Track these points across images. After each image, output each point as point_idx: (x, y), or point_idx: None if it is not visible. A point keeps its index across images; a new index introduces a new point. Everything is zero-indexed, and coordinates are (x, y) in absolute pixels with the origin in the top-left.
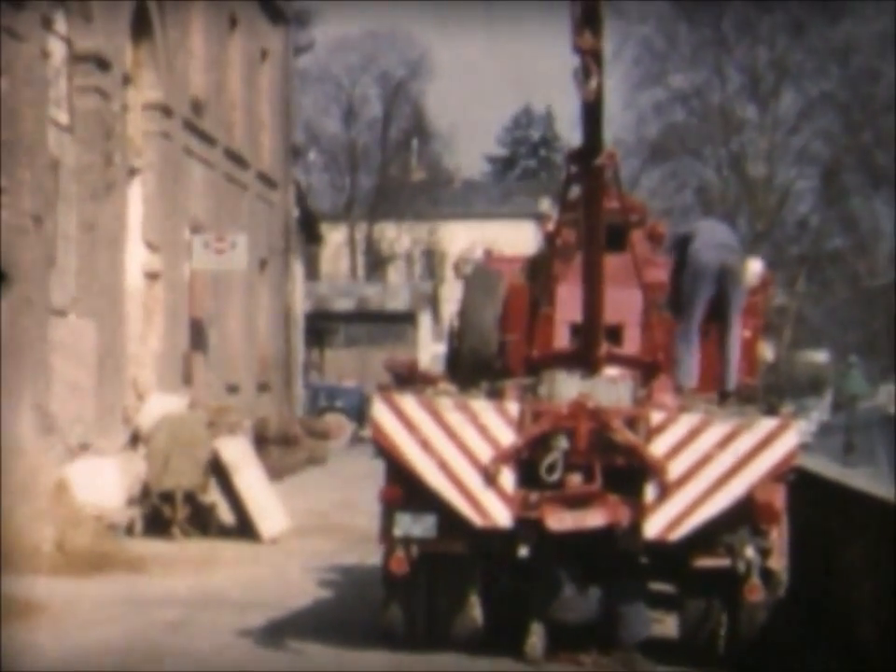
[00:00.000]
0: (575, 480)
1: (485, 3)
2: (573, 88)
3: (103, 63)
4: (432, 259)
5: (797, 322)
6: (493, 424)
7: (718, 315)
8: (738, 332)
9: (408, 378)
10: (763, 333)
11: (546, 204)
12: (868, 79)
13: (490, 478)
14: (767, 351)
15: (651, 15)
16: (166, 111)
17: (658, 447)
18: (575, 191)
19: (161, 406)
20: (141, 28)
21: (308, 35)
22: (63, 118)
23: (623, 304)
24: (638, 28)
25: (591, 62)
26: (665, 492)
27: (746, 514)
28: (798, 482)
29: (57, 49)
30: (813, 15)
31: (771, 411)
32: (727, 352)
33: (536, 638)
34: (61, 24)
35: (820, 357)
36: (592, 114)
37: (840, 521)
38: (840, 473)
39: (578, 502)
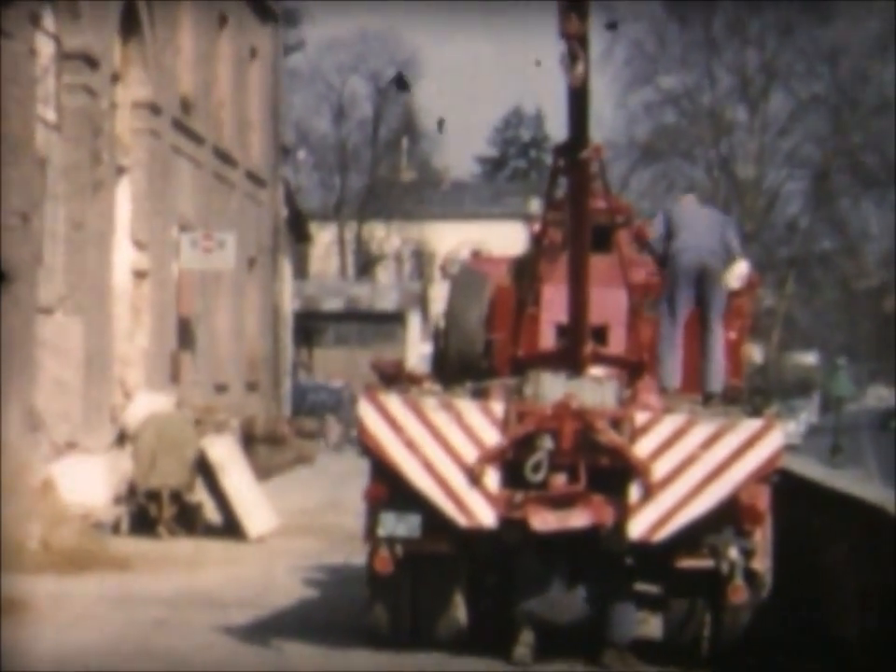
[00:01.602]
0: (559, 480)
1: (476, 3)
2: (562, 92)
3: (91, 61)
4: (422, 260)
5: (786, 324)
6: (478, 424)
7: (703, 317)
8: (720, 334)
9: (394, 378)
10: (750, 335)
11: (536, 205)
12: (857, 82)
13: (475, 478)
14: (755, 353)
15: (641, 16)
16: (155, 109)
17: (642, 448)
18: (562, 188)
19: (148, 405)
20: (130, 26)
21: (298, 34)
22: (50, 115)
23: (608, 305)
24: (629, 28)
25: (577, 46)
26: (650, 492)
27: (730, 515)
28: (782, 482)
29: (45, 47)
30: (802, 17)
31: (755, 412)
32: (709, 353)
33: (524, 648)
34: (49, 22)
35: (809, 358)
36: (578, 101)
37: (824, 522)
38: (824, 474)
39: (562, 502)
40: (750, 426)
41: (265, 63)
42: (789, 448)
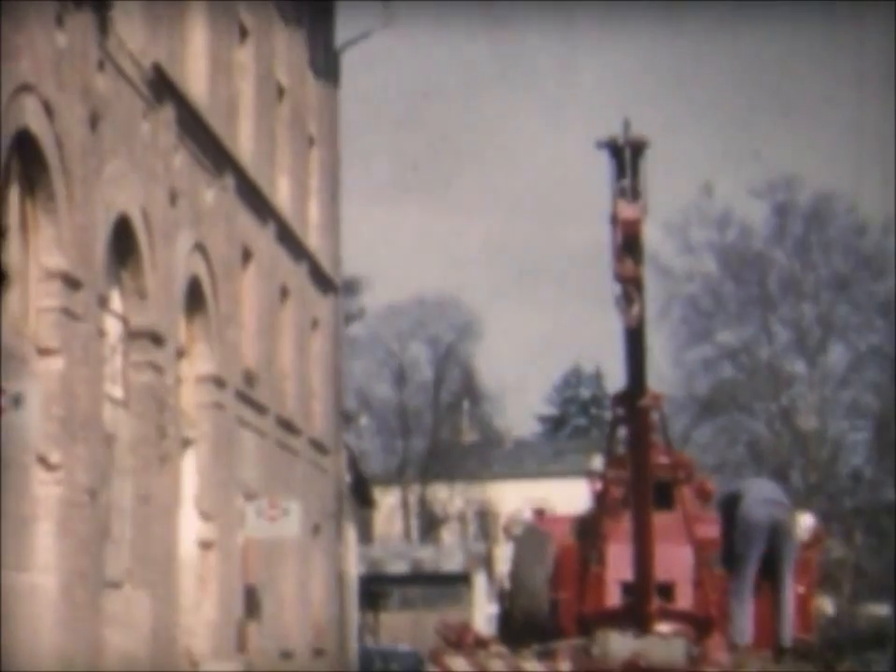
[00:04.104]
0: None
1: (532, 267)
2: (619, 349)
3: (157, 339)
4: (486, 520)
5: (856, 575)
6: None
7: (770, 571)
8: (792, 587)
9: (460, 641)
10: (819, 587)
11: (598, 461)
12: None
13: None
14: (827, 605)
15: (696, 275)
16: (219, 383)
17: None
18: (622, 442)
19: None
20: (194, 302)
21: (358, 302)
22: (117, 392)
23: (673, 561)
24: (684, 287)
25: (632, 289)
26: None
27: None
28: None
29: (112, 327)
30: (857, 271)
31: (828, 667)
32: (781, 608)
33: None
34: (116, 302)
35: (883, 609)
36: (634, 343)
37: None
38: None
39: None
40: None
41: (326, 332)
42: None
